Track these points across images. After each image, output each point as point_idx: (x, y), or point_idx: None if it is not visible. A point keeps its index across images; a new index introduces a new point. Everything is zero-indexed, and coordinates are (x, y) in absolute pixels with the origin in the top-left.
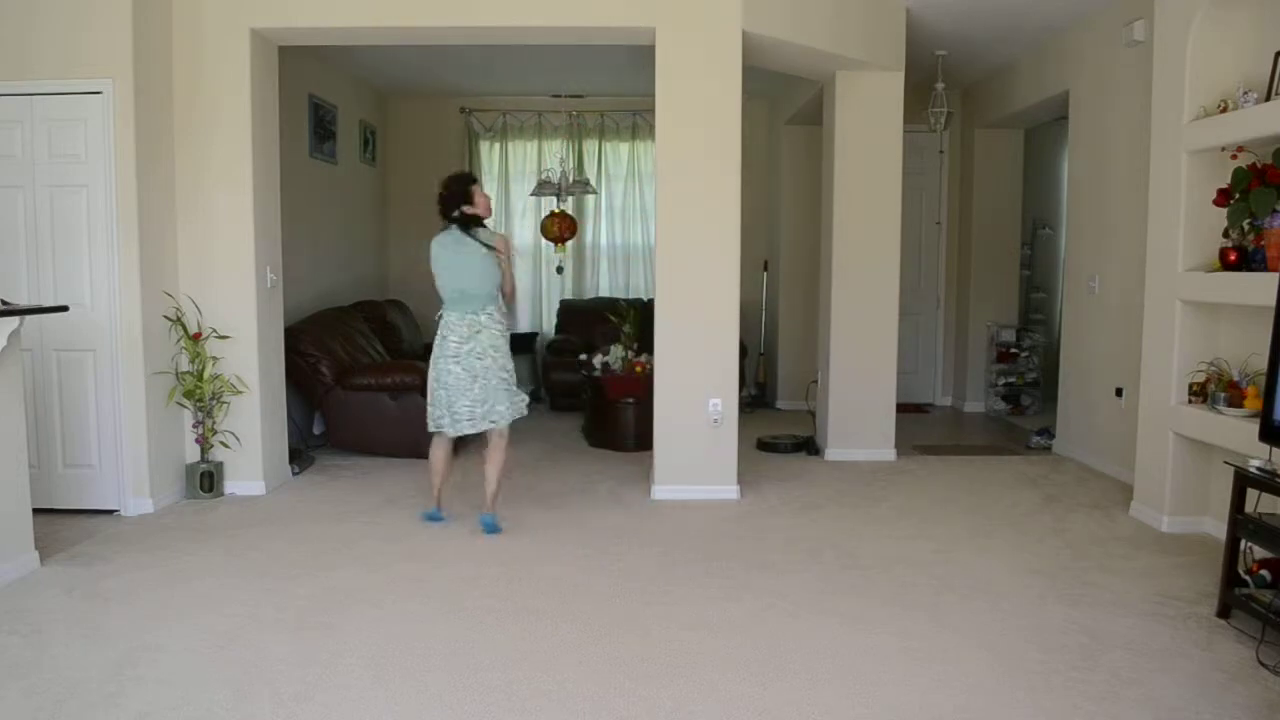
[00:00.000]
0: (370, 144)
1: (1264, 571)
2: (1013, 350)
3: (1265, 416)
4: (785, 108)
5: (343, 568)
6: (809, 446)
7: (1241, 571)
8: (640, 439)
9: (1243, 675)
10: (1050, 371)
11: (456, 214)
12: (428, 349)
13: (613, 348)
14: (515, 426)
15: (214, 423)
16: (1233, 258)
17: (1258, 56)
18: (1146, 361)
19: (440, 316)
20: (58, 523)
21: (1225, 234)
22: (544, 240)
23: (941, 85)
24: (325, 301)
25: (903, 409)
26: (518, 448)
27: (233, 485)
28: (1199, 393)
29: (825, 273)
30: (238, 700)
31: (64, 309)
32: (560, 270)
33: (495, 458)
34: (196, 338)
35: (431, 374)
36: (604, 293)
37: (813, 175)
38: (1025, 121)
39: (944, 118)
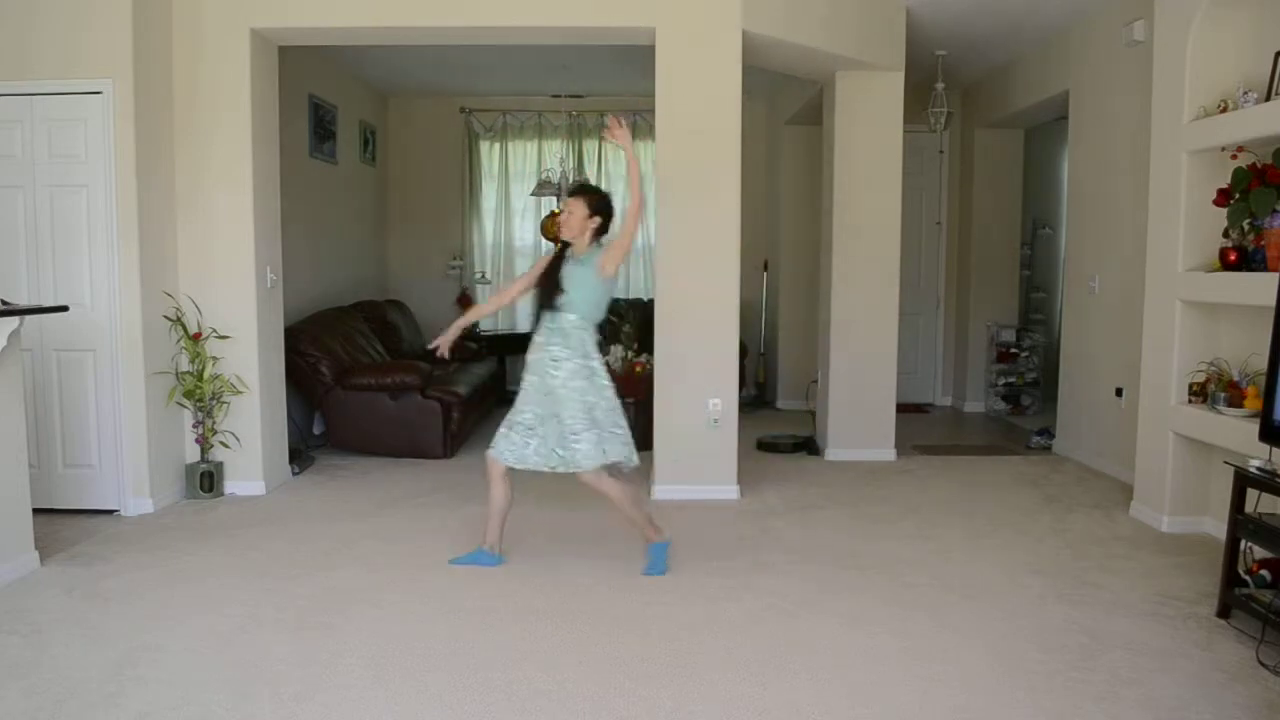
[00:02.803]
0: (370, 144)
1: (1264, 571)
2: (1013, 350)
3: (1265, 416)
4: (785, 108)
5: (343, 568)
6: (809, 446)
7: (1241, 571)
8: (640, 439)
9: (1243, 675)
10: (1050, 371)
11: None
12: (427, 349)
13: (613, 348)
14: None
15: (214, 423)
16: (1233, 258)
17: (1258, 56)
18: (1146, 361)
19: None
20: (58, 523)
21: (1225, 234)
22: (544, 240)
23: (941, 85)
24: (325, 301)
25: (903, 409)
26: None
27: (233, 485)
28: (1199, 393)
29: (825, 273)
30: (238, 700)
31: (64, 309)
32: None
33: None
34: (196, 338)
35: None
36: None
37: (813, 175)
38: (1025, 121)
39: (944, 118)
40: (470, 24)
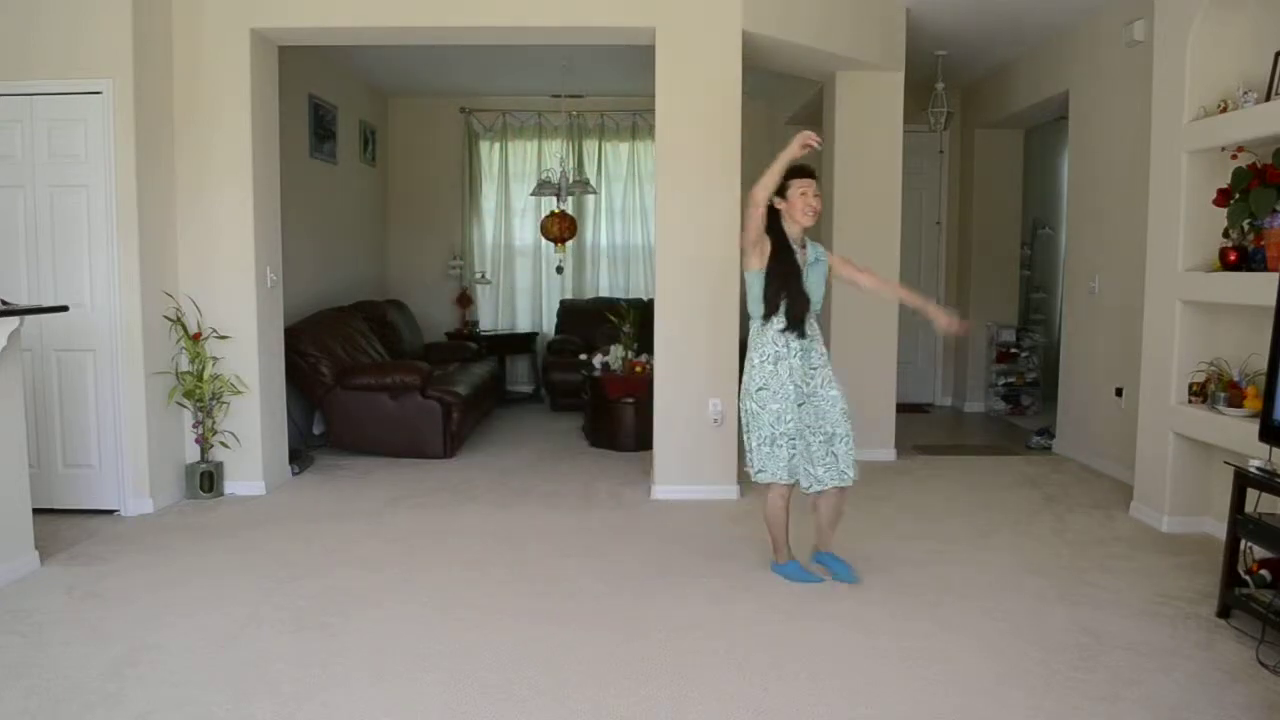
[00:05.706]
0: (370, 144)
1: (1264, 571)
2: (1013, 350)
3: (1265, 416)
4: (785, 108)
5: (343, 568)
6: None
7: (1241, 571)
8: (640, 439)
9: (1243, 675)
10: (1050, 371)
11: None
12: (428, 349)
13: (613, 348)
14: (520, 426)
15: (214, 423)
16: (1233, 258)
17: (1258, 56)
18: (1146, 361)
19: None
20: (58, 523)
21: (1225, 234)
22: (544, 240)
23: (941, 85)
24: (325, 301)
25: (903, 409)
26: (520, 447)
27: (233, 485)
28: (1199, 393)
29: None
30: (238, 700)
31: (64, 309)
32: (560, 270)
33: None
34: (196, 338)
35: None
36: (604, 293)
37: None
38: (1025, 121)
39: (944, 118)
40: (470, 24)
